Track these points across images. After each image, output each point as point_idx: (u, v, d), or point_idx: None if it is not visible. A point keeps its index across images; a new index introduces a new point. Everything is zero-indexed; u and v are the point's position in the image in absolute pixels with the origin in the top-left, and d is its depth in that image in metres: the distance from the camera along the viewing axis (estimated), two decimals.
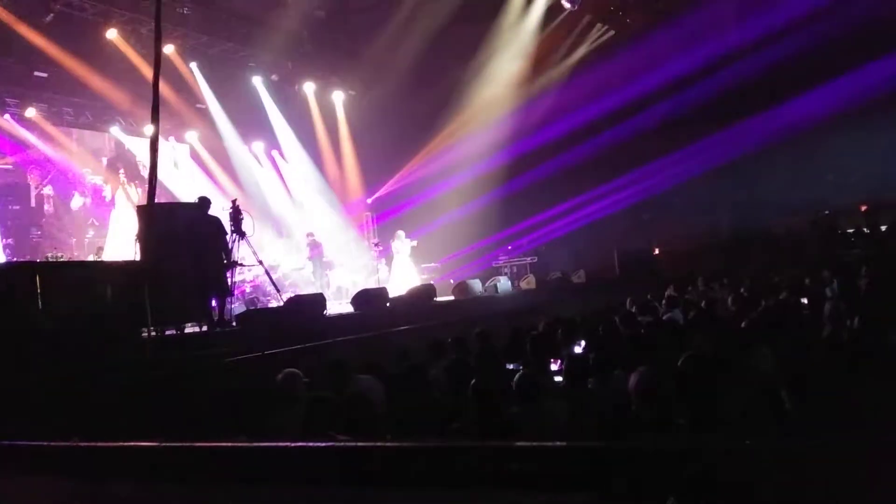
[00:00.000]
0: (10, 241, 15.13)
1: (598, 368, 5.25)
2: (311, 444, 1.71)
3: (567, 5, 17.93)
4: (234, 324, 9.82)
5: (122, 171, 17.81)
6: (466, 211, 19.06)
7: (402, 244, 16.51)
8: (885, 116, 17.33)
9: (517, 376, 4.76)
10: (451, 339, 7.38)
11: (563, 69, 19.90)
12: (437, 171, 19.51)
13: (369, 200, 20.67)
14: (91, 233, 16.62)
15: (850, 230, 19.10)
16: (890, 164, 18.33)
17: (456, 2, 16.47)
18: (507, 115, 19.23)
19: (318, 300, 11.28)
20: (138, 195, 17.38)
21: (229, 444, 1.86)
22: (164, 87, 15.57)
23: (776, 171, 19.54)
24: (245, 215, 10.37)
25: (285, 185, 19.97)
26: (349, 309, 12.07)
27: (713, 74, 17.80)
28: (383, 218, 19.89)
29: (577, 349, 6.73)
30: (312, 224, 18.53)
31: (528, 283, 16.80)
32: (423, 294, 13.08)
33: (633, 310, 9.26)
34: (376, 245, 16.34)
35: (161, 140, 12.32)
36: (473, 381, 4.41)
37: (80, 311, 7.07)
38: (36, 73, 15.16)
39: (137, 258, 9.03)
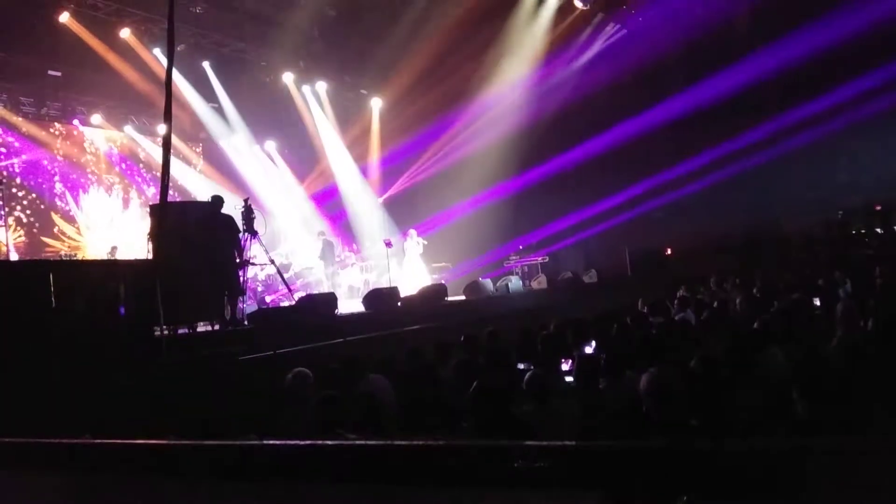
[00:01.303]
0: (23, 239, 15.25)
1: (610, 369, 5.24)
2: (320, 442, 1.71)
3: (579, 4, 17.89)
4: (246, 323, 9.84)
5: (135, 169, 17.94)
6: (478, 210, 19.04)
7: (413, 243, 16.52)
8: None
9: (528, 376, 4.76)
10: (462, 339, 7.39)
11: (574, 68, 19.83)
12: (448, 170, 19.50)
13: (381, 199, 20.72)
14: (104, 231, 16.72)
15: (864, 230, 18.93)
16: None
17: (467, 1, 16.45)
18: (520, 113, 19.19)
19: (330, 299, 11.30)
20: (151, 194, 17.49)
21: (239, 442, 1.86)
22: (176, 87, 15.74)
23: (789, 172, 19.40)
24: (257, 214, 10.40)
25: (298, 184, 20.03)
26: (360, 308, 12.07)
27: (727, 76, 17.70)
28: (395, 216, 19.93)
29: (589, 349, 6.71)
30: (324, 223, 18.56)
31: (540, 282, 16.77)
32: (435, 293, 13.07)
33: (645, 310, 9.24)
34: (387, 243, 16.34)
35: (174, 139, 12.38)
36: (477, 380, 4.40)
37: (94, 309, 7.10)
38: (50, 72, 15.27)
39: (150, 257, 9.06)
